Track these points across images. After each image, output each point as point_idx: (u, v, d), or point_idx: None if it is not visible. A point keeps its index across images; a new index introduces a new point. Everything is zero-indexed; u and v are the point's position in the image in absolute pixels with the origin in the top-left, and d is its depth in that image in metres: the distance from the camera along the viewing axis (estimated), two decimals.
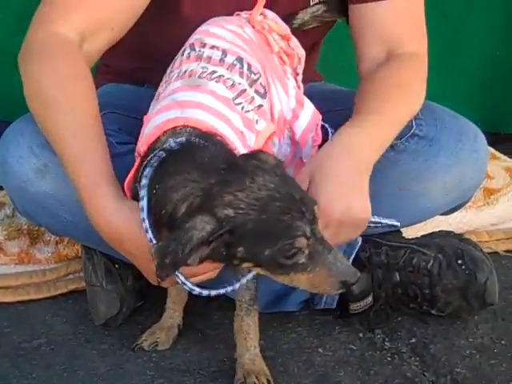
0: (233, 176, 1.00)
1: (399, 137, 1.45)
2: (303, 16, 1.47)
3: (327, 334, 1.45)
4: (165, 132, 1.11)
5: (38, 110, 1.24)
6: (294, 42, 1.42)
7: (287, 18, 1.43)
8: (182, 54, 1.27)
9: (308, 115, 1.38)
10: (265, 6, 1.40)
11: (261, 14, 1.38)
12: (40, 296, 1.54)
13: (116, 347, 1.39)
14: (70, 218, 1.34)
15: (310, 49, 1.63)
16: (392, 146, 1.45)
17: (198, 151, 1.06)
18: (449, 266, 1.45)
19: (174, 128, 1.11)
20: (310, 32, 1.56)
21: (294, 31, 1.44)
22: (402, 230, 1.61)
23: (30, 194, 1.32)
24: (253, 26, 1.37)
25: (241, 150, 1.13)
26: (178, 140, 1.09)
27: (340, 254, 1.05)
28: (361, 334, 1.45)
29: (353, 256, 1.48)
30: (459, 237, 1.53)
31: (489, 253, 1.80)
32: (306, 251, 1.02)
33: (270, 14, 1.40)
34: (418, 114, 1.46)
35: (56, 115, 1.21)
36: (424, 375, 1.33)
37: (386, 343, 1.43)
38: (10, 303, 1.53)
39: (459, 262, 1.45)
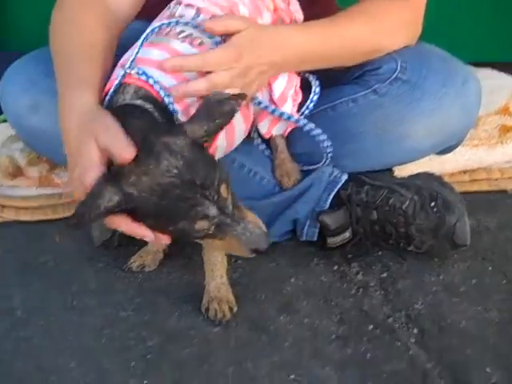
0: (142, 155, 1.05)
1: (382, 80, 1.51)
2: None
3: (304, 265, 1.56)
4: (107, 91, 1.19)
5: (51, 40, 1.35)
6: (295, 5, 1.49)
7: None
8: (161, 15, 1.36)
9: (286, 74, 1.45)
10: None
11: None
12: (56, 216, 1.72)
13: (110, 266, 1.56)
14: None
15: None
16: (375, 90, 1.51)
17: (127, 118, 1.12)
18: (422, 208, 1.50)
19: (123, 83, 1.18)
20: None
21: None
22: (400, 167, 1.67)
23: (25, 128, 1.48)
24: None
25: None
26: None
27: (252, 223, 1.13)
28: (336, 267, 1.55)
29: (333, 193, 1.56)
30: (439, 180, 1.57)
31: (496, 191, 1.84)
32: (212, 227, 1.10)
33: None
34: (403, 56, 1.50)
35: (58, 40, 1.32)
36: (382, 309, 1.42)
37: (358, 276, 1.52)
38: (30, 222, 1.72)
39: (432, 204, 1.50)
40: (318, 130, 1.49)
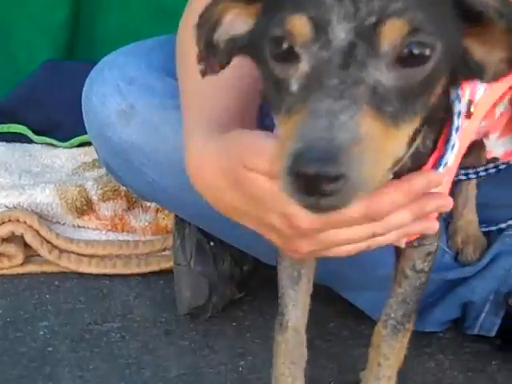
0: None
1: None
2: None
3: (478, 370, 1.07)
4: None
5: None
6: None
7: None
8: None
9: None
10: None
11: None
12: (127, 271, 1.28)
13: (198, 346, 1.10)
14: (156, 178, 1.04)
15: None
16: None
17: None
18: None
19: None
20: None
21: None
22: None
23: (111, 141, 1.04)
24: None
25: None
26: None
27: (357, 106, 0.51)
28: None
29: None
30: None
31: None
32: (305, 57, 0.55)
33: None
34: None
35: None
36: None
37: None
38: (93, 275, 1.28)
39: None
40: None
